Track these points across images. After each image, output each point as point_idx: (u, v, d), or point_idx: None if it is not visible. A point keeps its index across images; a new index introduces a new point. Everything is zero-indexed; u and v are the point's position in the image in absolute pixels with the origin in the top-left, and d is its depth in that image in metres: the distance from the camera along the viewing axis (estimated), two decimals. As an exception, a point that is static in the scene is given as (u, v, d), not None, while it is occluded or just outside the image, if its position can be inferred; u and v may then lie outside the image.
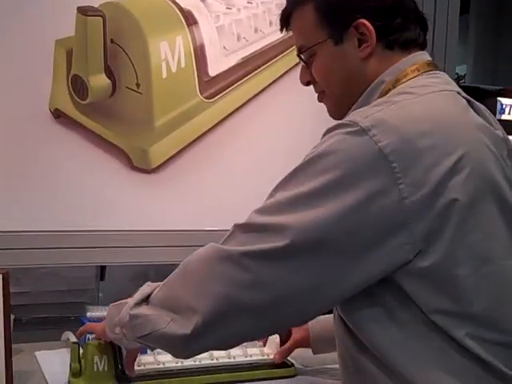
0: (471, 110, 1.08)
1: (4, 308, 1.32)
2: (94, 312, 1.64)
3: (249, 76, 1.90)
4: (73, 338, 1.57)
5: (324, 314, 1.09)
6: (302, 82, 1.21)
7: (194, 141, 1.84)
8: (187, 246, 1.82)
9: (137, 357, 1.33)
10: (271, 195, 1.04)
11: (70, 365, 1.36)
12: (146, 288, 1.16)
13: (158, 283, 1.15)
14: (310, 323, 1.45)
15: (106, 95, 1.72)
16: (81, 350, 1.38)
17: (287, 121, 1.97)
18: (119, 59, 1.71)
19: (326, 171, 0.97)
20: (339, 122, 1.02)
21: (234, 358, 1.45)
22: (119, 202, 1.76)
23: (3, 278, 1.34)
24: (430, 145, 0.97)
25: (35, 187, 1.68)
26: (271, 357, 1.48)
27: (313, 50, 1.15)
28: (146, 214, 1.79)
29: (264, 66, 1.92)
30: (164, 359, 1.40)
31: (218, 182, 1.87)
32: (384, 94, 1.08)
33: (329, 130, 1.03)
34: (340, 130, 1.00)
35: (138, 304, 1.14)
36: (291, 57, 1.95)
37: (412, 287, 0.98)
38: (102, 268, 1.93)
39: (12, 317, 1.49)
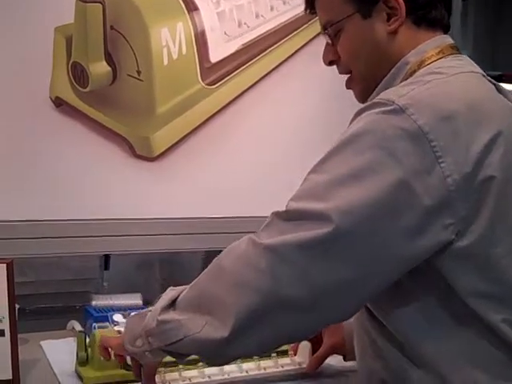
0: (498, 92, 1.07)
1: (9, 297, 1.31)
2: (99, 301, 1.64)
3: (250, 62, 1.88)
4: (78, 327, 1.57)
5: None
6: (325, 62, 1.18)
7: (197, 128, 1.82)
8: (191, 233, 1.83)
9: (156, 372, 1.23)
10: (307, 180, 1.01)
11: (77, 353, 1.35)
12: (170, 292, 1.10)
13: (183, 287, 1.09)
14: (344, 326, 1.35)
15: (106, 83, 1.70)
16: (87, 339, 1.37)
17: (290, 106, 1.95)
18: (120, 46, 1.70)
19: (365, 151, 0.95)
20: (372, 101, 1.00)
21: (265, 369, 1.37)
22: (122, 190, 1.75)
23: (7, 268, 1.33)
24: (466, 123, 0.96)
25: (37, 176, 1.66)
26: (304, 366, 1.39)
27: (340, 24, 1.12)
28: (150, 201, 1.78)
29: (266, 52, 1.91)
30: (190, 375, 1.31)
31: (221, 169, 1.86)
32: (408, 75, 1.07)
33: (362, 110, 1.00)
34: (375, 109, 0.98)
35: (166, 309, 1.07)
36: (293, 42, 1.94)
37: (450, 269, 0.96)
38: (106, 257, 1.92)
39: (17, 306, 1.49)
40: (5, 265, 1.32)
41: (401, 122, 0.95)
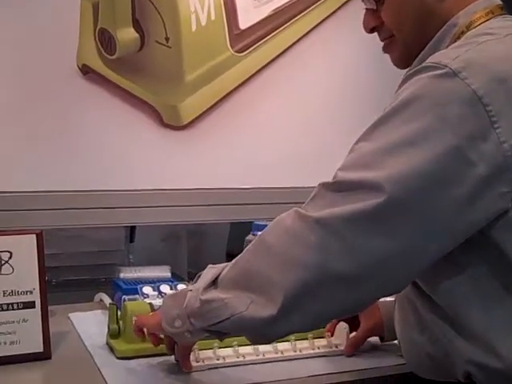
0: None
1: (39, 268, 1.29)
2: (126, 273, 1.62)
3: (280, 28, 1.83)
4: (107, 300, 1.54)
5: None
6: (366, 29, 1.13)
7: (226, 96, 1.78)
8: (219, 204, 1.80)
9: (191, 351, 1.21)
10: (355, 149, 0.97)
11: (108, 326, 1.32)
12: (210, 271, 1.06)
13: (223, 264, 1.05)
14: (380, 307, 1.31)
15: (134, 49, 1.65)
16: (118, 312, 1.34)
17: (326, 73, 1.90)
18: (147, 12, 1.64)
19: (416, 117, 0.91)
20: (422, 65, 0.96)
21: (301, 350, 1.31)
22: (149, 159, 1.71)
23: (37, 238, 1.30)
24: None
25: (63, 146, 1.63)
26: (341, 348, 1.33)
27: None
28: (177, 172, 1.74)
29: (296, 18, 1.85)
30: (224, 354, 1.26)
31: (250, 139, 1.82)
32: (456, 38, 1.02)
33: (411, 75, 0.96)
34: (426, 73, 0.94)
35: (208, 288, 1.03)
36: (325, 6, 1.88)
37: (505, 239, 0.92)
38: (132, 229, 1.89)
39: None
40: (34, 235, 1.30)
41: (454, 86, 0.91)
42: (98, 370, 1.22)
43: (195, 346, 1.24)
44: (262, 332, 0.99)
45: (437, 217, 0.90)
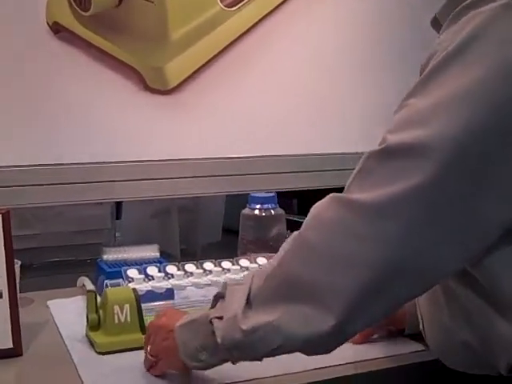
0: None
1: (6, 253, 1.13)
2: (110, 254, 1.46)
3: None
4: (89, 285, 1.38)
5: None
6: None
7: (216, 56, 1.60)
8: (211, 175, 1.63)
9: None
10: (405, 106, 0.82)
11: (87, 316, 1.17)
12: (235, 290, 0.90)
13: (247, 276, 0.91)
14: None
15: (111, 4, 1.47)
16: (99, 299, 1.19)
17: (322, 30, 1.72)
18: (126, -38, 1.47)
19: (476, 64, 0.76)
20: None
21: None
22: (132, 128, 1.55)
23: (3, 219, 1.14)
24: None
25: (36, 115, 1.46)
26: None
27: None
28: (165, 141, 1.58)
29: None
30: None
31: (245, 103, 1.65)
32: None
33: (464, 9, 0.81)
34: (483, 6, 0.78)
35: (245, 312, 0.86)
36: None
37: None
38: (118, 205, 1.74)
39: (18, 263, 1.31)
40: (0, 215, 1.14)
41: None
42: (75, 368, 1.07)
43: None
44: (322, 347, 0.86)
45: (499, 185, 0.77)
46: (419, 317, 1.03)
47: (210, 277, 1.37)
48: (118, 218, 1.74)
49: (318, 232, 0.82)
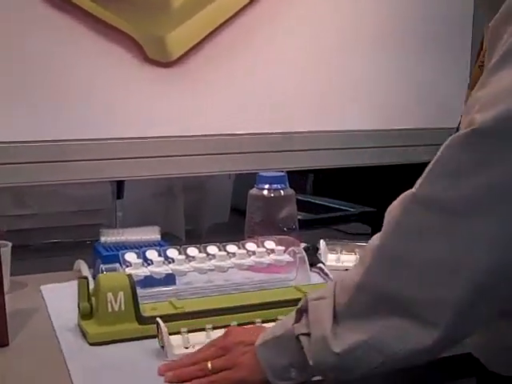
0: None
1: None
2: (109, 236, 1.37)
3: None
4: (85, 269, 1.31)
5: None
6: None
7: (220, 27, 1.50)
8: (219, 153, 1.55)
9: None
10: (489, 82, 0.72)
11: (79, 305, 1.08)
12: (319, 305, 0.83)
13: (321, 291, 0.85)
14: None
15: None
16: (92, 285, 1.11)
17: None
18: None
19: None
20: None
21: None
22: (132, 103, 1.45)
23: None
24: None
25: (33, 89, 1.37)
26: None
27: None
28: (167, 116, 1.49)
29: None
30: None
31: (253, 76, 1.55)
32: None
33: None
34: None
35: (333, 333, 0.80)
36: None
37: None
38: (119, 184, 1.64)
39: (8, 245, 1.23)
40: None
41: None
42: (64, 360, 0.99)
43: (184, 329, 1.01)
44: (428, 357, 0.78)
45: None
46: None
47: (213, 261, 1.29)
48: (119, 197, 1.65)
49: (399, 240, 0.76)
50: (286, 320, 0.89)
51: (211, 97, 1.53)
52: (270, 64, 1.58)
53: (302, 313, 0.85)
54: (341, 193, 2.16)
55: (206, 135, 1.53)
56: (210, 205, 1.82)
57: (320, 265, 1.40)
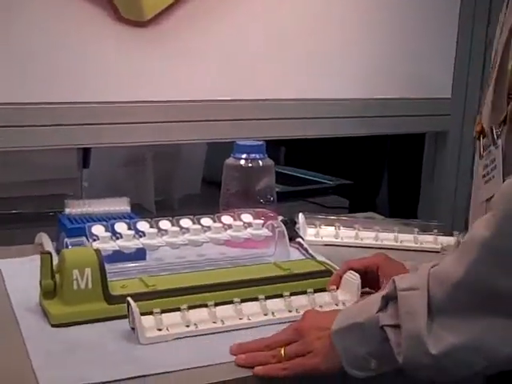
0: None
1: None
2: (74, 208, 1.28)
3: None
4: (47, 243, 1.21)
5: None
6: None
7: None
8: (193, 120, 1.47)
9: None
10: None
11: (41, 282, 0.99)
12: (411, 296, 0.76)
13: (414, 279, 0.78)
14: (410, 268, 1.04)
15: None
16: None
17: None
18: None
19: None
20: None
21: (298, 310, 1.01)
22: (104, 64, 1.38)
23: None
24: None
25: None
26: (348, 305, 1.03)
27: None
28: (140, 79, 1.41)
29: None
30: (197, 317, 0.97)
31: (231, 39, 1.48)
32: None
33: None
34: None
35: (429, 329, 0.74)
36: None
37: None
38: (86, 152, 1.54)
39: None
40: None
41: None
42: (23, 343, 0.90)
43: (157, 309, 0.93)
44: None
45: None
46: None
47: (187, 235, 1.20)
48: (85, 166, 1.56)
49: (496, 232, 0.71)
50: (367, 305, 0.83)
51: (187, 60, 1.46)
52: (248, 28, 1.50)
53: (388, 301, 0.79)
54: (314, 164, 2.09)
55: (179, 101, 1.46)
56: (182, 175, 1.74)
57: (299, 239, 1.34)
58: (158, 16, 1.40)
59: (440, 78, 1.75)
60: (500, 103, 0.86)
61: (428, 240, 1.35)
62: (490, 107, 0.89)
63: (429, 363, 0.74)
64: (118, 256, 1.13)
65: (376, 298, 0.81)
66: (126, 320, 0.93)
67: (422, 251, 1.32)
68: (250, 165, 1.39)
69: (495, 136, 0.84)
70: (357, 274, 1.05)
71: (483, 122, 0.90)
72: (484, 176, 0.88)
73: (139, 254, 1.17)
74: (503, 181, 0.80)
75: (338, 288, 1.06)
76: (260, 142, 1.42)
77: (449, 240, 1.34)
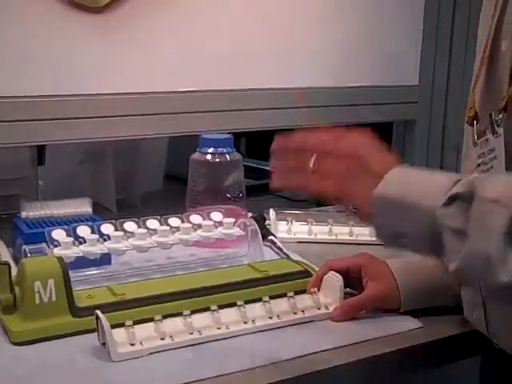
0: None
1: None
2: (31, 210, 1.19)
3: None
4: (4, 250, 1.12)
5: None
6: None
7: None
8: (154, 113, 1.39)
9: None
10: None
11: (-1, 296, 0.90)
12: (491, 212, 0.67)
13: (493, 190, 0.68)
14: (395, 273, 0.97)
15: None
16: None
17: None
18: None
19: None
20: None
21: (279, 316, 0.95)
22: (57, 54, 1.27)
23: None
24: None
25: None
26: (331, 309, 0.98)
27: None
28: (96, 70, 1.32)
29: None
30: (172, 328, 0.89)
31: (192, 28, 1.39)
32: None
33: None
34: None
35: (502, 253, 0.65)
36: None
37: None
38: (40, 149, 1.45)
39: None
40: None
41: None
42: (-20, 367, 0.81)
43: (128, 321, 0.85)
44: None
45: None
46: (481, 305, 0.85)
47: (154, 237, 1.12)
48: (40, 163, 1.46)
49: None
50: (425, 187, 0.73)
51: (144, 50, 1.36)
52: (214, 16, 1.42)
53: (456, 199, 0.70)
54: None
55: (138, 93, 1.36)
56: (143, 171, 1.66)
57: (271, 237, 1.27)
58: (112, 2, 1.30)
59: (407, 64, 1.71)
60: (498, 87, 0.80)
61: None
62: (483, 91, 0.83)
63: (492, 285, 0.68)
64: (82, 262, 1.05)
65: (440, 189, 0.71)
66: (95, 334, 0.86)
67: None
68: (217, 160, 1.32)
69: (495, 124, 0.78)
70: (339, 275, 0.99)
71: (476, 107, 0.84)
72: (479, 165, 0.82)
73: (103, 260, 1.09)
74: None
75: (319, 290, 1.00)
76: (227, 135, 1.35)
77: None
